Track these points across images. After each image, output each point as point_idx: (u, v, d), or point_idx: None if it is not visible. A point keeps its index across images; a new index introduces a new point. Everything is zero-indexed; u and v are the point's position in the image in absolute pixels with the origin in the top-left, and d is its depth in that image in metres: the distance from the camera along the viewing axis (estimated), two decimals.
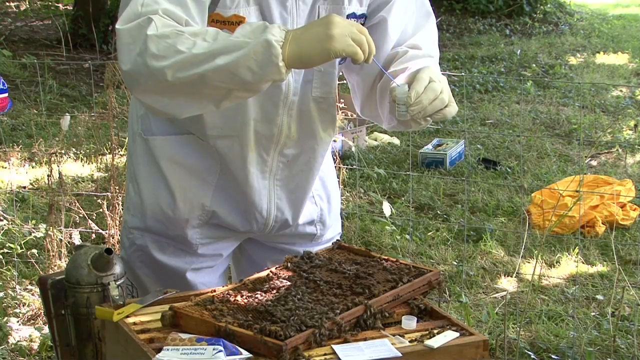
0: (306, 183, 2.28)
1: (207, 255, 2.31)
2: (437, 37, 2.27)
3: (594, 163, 6.68)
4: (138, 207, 2.28)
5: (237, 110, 2.10)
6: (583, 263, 4.82)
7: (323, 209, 2.37)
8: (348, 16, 2.11)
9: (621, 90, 8.75)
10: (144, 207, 2.26)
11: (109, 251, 2.03)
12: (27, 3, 12.14)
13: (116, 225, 4.15)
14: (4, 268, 4.48)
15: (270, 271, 2.01)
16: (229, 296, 1.88)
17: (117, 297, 2.00)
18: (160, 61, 1.85)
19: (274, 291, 1.90)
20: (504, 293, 4.34)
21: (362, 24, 2.14)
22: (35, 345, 3.84)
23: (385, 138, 7.06)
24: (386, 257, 2.10)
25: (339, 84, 2.30)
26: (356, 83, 2.27)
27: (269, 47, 1.82)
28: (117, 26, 1.91)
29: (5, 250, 4.60)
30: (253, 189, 2.20)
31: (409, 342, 1.76)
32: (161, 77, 1.87)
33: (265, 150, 2.18)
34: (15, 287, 4.27)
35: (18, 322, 4.01)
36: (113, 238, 4.15)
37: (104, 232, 4.41)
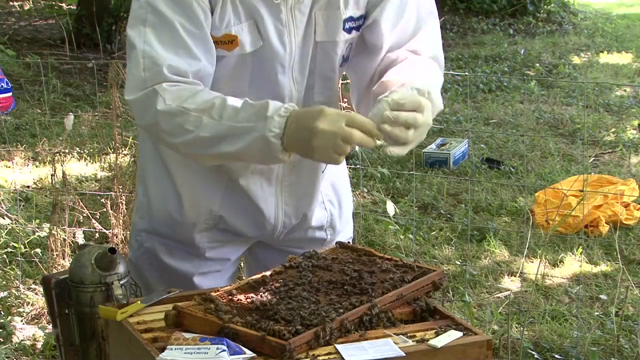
0: (314, 188, 2.26)
1: (215, 259, 2.29)
2: (439, 37, 2.21)
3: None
4: (146, 210, 2.28)
5: None
6: (587, 263, 4.82)
7: (333, 214, 2.35)
8: (345, 21, 2.09)
9: (625, 90, 8.74)
10: (152, 209, 2.26)
11: (112, 250, 2.03)
12: (31, 2, 12.15)
13: (120, 225, 4.15)
14: (8, 267, 4.49)
15: (274, 271, 2.01)
16: (232, 296, 1.88)
17: (121, 297, 2.00)
18: (172, 138, 1.96)
19: (278, 291, 1.90)
20: (508, 293, 4.35)
21: (361, 25, 2.13)
22: (39, 345, 3.84)
23: None
24: (389, 257, 2.10)
25: (342, 83, 2.30)
26: (354, 81, 2.25)
27: (268, 144, 1.89)
28: (125, 97, 1.99)
29: (9, 250, 4.61)
30: (259, 197, 2.19)
31: (413, 341, 1.76)
32: (176, 149, 2.03)
33: None
34: (19, 287, 4.28)
35: (22, 321, 4.02)
36: (117, 237, 4.16)
37: (107, 232, 4.41)
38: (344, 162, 2.39)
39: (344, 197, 2.40)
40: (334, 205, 2.35)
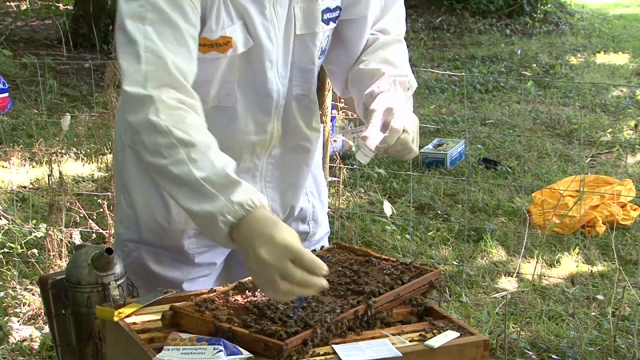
0: (297, 182, 2.26)
1: (203, 265, 2.28)
2: (404, 15, 2.29)
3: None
4: (132, 220, 2.25)
5: (227, 128, 2.10)
6: (583, 263, 4.82)
7: (315, 206, 2.36)
8: (323, 12, 2.12)
9: (622, 90, 8.75)
10: (138, 219, 2.23)
11: (109, 251, 2.03)
12: (28, 3, 12.15)
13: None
14: (5, 268, 4.48)
15: None
16: (229, 296, 1.89)
17: (118, 297, 2.00)
18: (146, 155, 1.88)
19: None
20: (505, 293, 4.34)
21: (337, 17, 2.17)
22: (36, 345, 3.84)
23: None
24: (386, 257, 2.10)
25: None
26: (336, 71, 2.29)
27: (215, 224, 1.77)
28: (123, 86, 1.91)
29: (6, 250, 4.60)
30: None
31: (409, 341, 1.76)
32: (142, 159, 1.92)
33: (257, 156, 2.17)
34: (15, 287, 4.27)
35: (18, 321, 4.02)
36: (114, 238, 4.15)
37: (104, 232, 4.41)
38: (319, 155, 2.40)
39: (322, 189, 2.41)
40: (315, 197, 2.37)
